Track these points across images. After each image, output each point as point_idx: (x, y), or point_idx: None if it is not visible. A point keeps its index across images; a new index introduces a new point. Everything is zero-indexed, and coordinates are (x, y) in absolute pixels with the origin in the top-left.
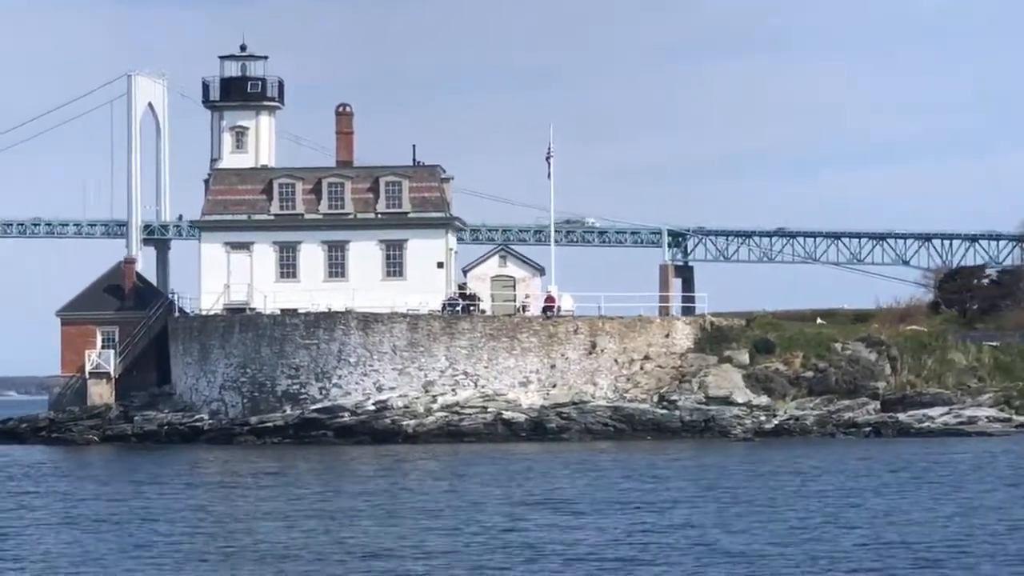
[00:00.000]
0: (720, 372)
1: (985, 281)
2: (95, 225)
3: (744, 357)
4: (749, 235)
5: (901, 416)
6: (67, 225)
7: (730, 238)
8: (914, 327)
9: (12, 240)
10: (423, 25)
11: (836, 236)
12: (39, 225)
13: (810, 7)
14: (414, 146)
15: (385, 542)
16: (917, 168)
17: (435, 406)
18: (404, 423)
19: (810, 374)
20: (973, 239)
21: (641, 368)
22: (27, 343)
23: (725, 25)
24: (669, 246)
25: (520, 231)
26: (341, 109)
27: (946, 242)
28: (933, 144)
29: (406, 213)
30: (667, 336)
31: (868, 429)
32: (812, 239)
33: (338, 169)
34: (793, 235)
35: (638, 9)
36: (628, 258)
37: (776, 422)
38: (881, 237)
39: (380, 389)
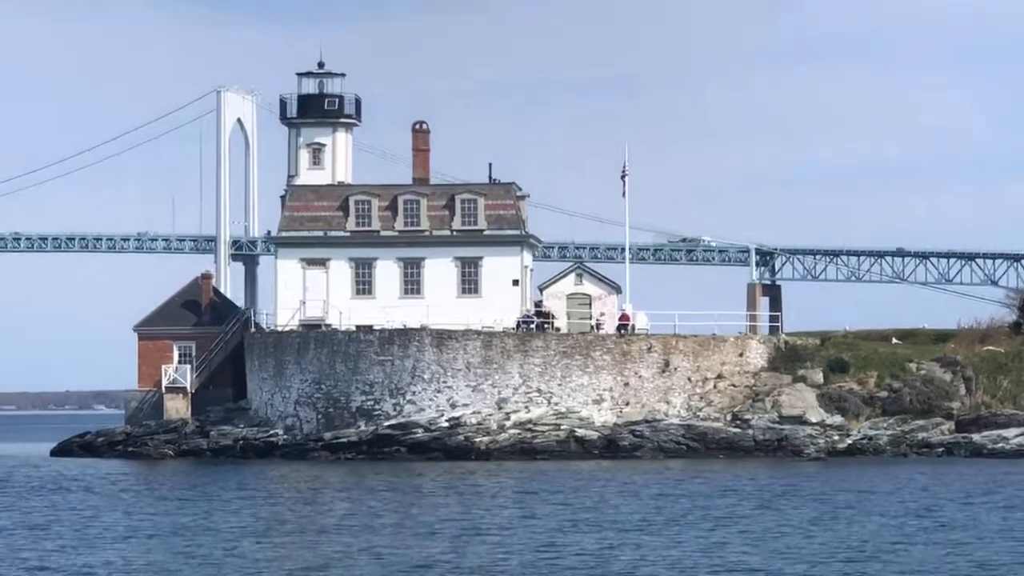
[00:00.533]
0: (794, 391)
1: None
2: (184, 240)
3: (818, 376)
4: (837, 254)
5: (975, 436)
6: (156, 240)
7: (818, 257)
8: (991, 347)
9: (103, 255)
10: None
11: (924, 256)
12: (128, 240)
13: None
14: (490, 164)
15: None
16: (1002, 187)
17: (508, 423)
18: (477, 440)
19: (884, 394)
20: None
21: (714, 387)
22: (116, 357)
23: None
24: (757, 265)
25: (608, 248)
26: (417, 126)
27: None
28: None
29: (481, 230)
30: (741, 355)
31: (941, 450)
32: (900, 259)
33: (414, 186)
34: (881, 254)
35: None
36: (716, 276)
37: (849, 442)
38: (970, 257)
39: (454, 406)
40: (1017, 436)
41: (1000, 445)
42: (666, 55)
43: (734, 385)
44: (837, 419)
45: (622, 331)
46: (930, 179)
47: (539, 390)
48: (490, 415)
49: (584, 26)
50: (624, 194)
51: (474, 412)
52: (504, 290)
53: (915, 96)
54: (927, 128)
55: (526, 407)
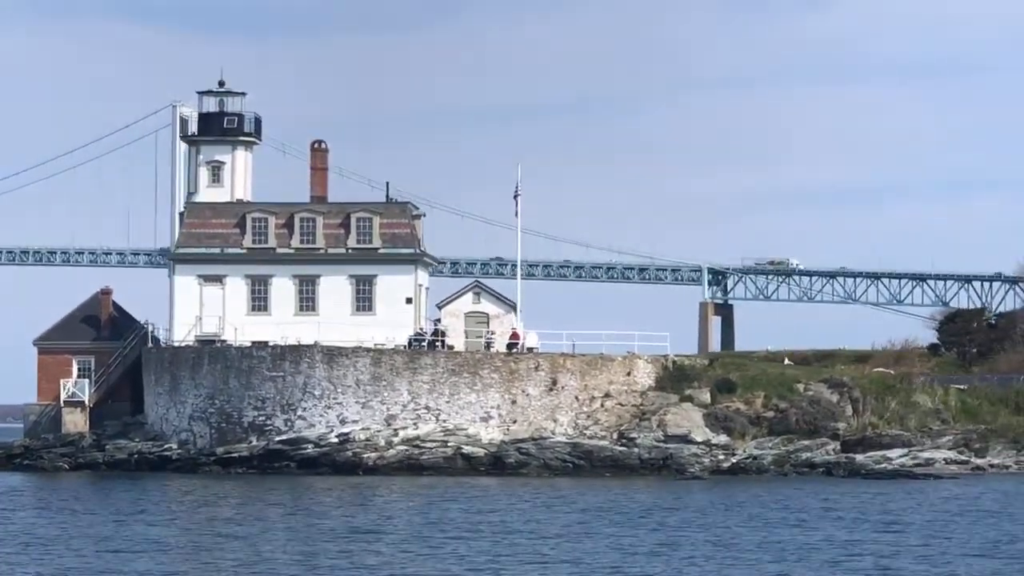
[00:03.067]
0: (680, 411)
1: (985, 324)
2: (138, 255)
3: (705, 396)
4: (789, 274)
5: (859, 457)
6: (110, 254)
7: (770, 277)
8: (880, 369)
9: (57, 268)
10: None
11: (876, 276)
12: (82, 254)
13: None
14: (387, 183)
15: None
16: (954, 208)
17: (396, 439)
18: (365, 455)
19: (771, 414)
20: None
21: (601, 405)
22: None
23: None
24: (709, 284)
25: (560, 267)
26: (316, 145)
27: (986, 284)
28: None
29: (376, 249)
30: (628, 374)
31: (821, 470)
32: (852, 279)
33: (310, 204)
34: (833, 275)
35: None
36: (668, 295)
37: (734, 461)
38: (921, 278)
39: (343, 422)
40: (900, 456)
41: (883, 465)
42: (615, 76)
43: (621, 404)
44: (723, 439)
45: (512, 350)
46: (881, 198)
47: (427, 407)
48: (379, 431)
49: (526, 45)
50: (517, 213)
51: (363, 428)
52: (398, 308)
53: (871, 115)
54: (881, 147)
55: (414, 424)
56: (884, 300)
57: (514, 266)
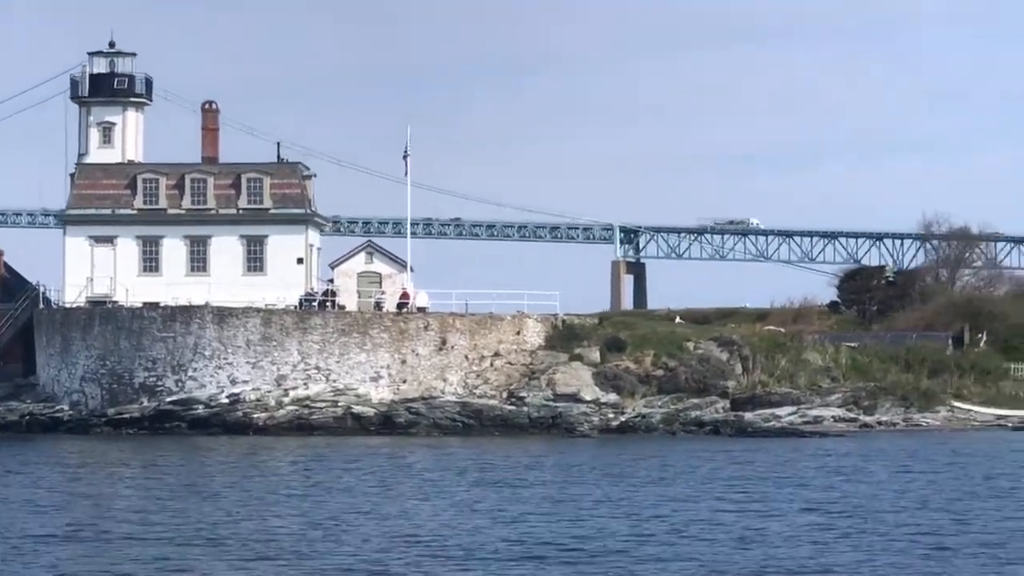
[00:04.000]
0: (569, 370)
1: (884, 282)
2: (49, 215)
3: (595, 355)
4: (701, 232)
5: (747, 415)
6: (20, 215)
7: (682, 235)
8: (770, 327)
9: None
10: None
11: (787, 235)
12: (20, 215)
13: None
14: (279, 143)
15: None
16: (869, 166)
17: (286, 400)
18: (255, 416)
19: (660, 373)
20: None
21: (491, 365)
22: None
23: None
24: (621, 243)
25: (472, 225)
26: (207, 106)
27: (897, 241)
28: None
29: (267, 209)
30: (518, 334)
31: (708, 428)
32: (764, 237)
33: (201, 165)
34: (744, 233)
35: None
36: (581, 254)
37: (623, 419)
38: (833, 236)
39: (234, 382)
40: (789, 415)
41: (772, 423)
42: (539, 39)
43: (511, 363)
44: (612, 397)
45: (402, 309)
46: (797, 158)
47: (318, 367)
48: (269, 392)
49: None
50: (406, 173)
51: (254, 389)
52: (289, 269)
53: (786, 76)
54: (798, 107)
55: (305, 384)
56: (796, 258)
57: (400, 225)
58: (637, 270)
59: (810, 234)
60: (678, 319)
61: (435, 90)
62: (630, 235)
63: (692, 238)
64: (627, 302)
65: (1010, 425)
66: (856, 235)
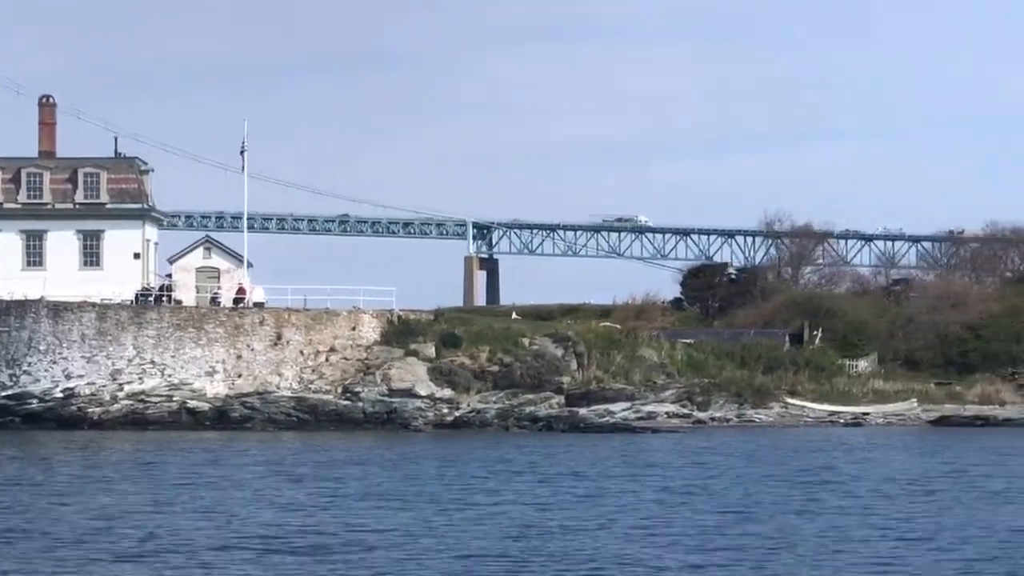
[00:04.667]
0: (404, 365)
1: (726, 279)
2: None
3: (430, 351)
4: (554, 228)
5: (581, 410)
6: None
7: (535, 231)
8: (606, 324)
9: None
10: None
11: (640, 231)
12: None
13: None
14: (116, 138)
15: None
16: (719, 161)
17: (121, 394)
18: (90, 410)
19: (496, 368)
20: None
21: (327, 360)
22: None
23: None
24: (474, 238)
25: (325, 221)
26: (44, 100)
27: (749, 238)
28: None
29: (103, 204)
30: (353, 329)
31: (541, 423)
32: (616, 234)
33: (37, 159)
34: (597, 229)
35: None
36: (434, 250)
37: (457, 414)
38: (685, 232)
39: (69, 377)
40: (623, 411)
41: (605, 419)
42: (384, 33)
43: (346, 358)
44: (447, 392)
45: (239, 304)
46: (645, 153)
47: (153, 362)
48: (104, 386)
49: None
50: (243, 168)
51: (88, 383)
52: (126, 263)
53: (629, 71)
54: (644, 102)
55: (140, 378)
56: (648, 255)
57: (253, 220)
58: (490, 266)
59: (663, 231)
60: (514, 315)
61: (282, 83)
62: (483, 231)
63: (545, 235)
64: (480, 298)
65: (842, 421)
66: (708, 232)
